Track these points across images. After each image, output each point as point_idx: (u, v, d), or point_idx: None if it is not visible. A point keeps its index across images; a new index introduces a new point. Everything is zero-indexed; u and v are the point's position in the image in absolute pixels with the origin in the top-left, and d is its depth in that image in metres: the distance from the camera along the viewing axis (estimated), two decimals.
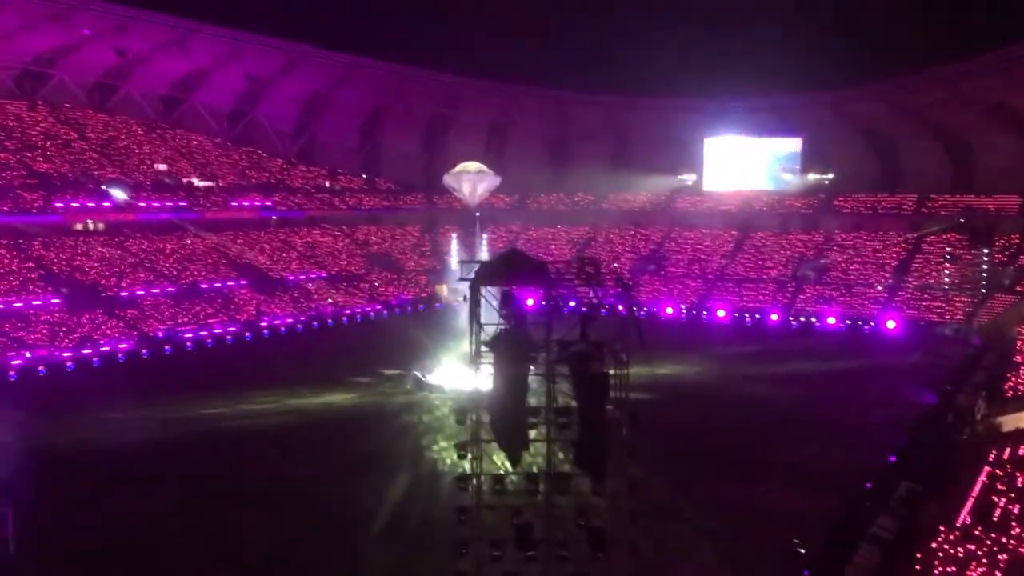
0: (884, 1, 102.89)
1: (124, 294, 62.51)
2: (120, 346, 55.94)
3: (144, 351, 56.32)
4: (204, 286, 67.93)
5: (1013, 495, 24.03)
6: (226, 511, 28.77)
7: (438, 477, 31.63)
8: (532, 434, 17.15)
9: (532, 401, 17.25)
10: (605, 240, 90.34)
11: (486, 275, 18.00)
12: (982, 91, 72.18)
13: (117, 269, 65.08)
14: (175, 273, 67.96)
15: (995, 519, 22.74)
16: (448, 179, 65.50)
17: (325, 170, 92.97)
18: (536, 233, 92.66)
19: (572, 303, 16.89)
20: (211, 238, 74.27)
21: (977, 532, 21.91)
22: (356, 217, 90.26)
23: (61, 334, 54.86)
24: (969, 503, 24.76)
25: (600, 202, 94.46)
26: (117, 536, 26.63)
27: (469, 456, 17.49)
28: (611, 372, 16.88)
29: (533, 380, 17.39)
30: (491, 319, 17.27)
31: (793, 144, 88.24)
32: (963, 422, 36.60)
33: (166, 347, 57.55)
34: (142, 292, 63.69)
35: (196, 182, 78.45)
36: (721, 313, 72.13)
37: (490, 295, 17.59)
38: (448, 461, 33.34)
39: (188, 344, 59.03)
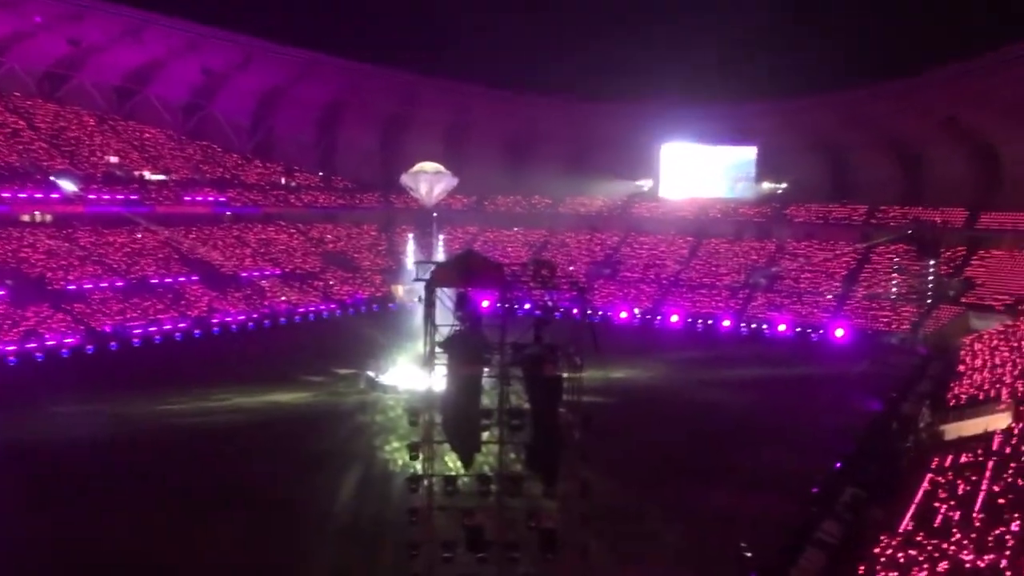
0: (841, 13, 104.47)
1: (71, 287, 61.33)
2: (66, 340, 54.90)
3: (89, 347, 55.27)
4: (154, 281, 66.85)
5: (954, 502, 24.56)
6: (177, 510, 28.29)
7: (390, 478, 31.47)
8: (484, 436, 17.19)
9: (485, 403, 17.28)
10: (561, 243, 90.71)
11: (442, 276, 17.99)
12: (933, 104, 73.76)
13: (64, 262, 63.82)
14: (124, 267, 66.80)
15: (936, 525, 23.22)
16: (405, 178, 65.00)
17: (281, 166, 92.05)
18: (493, 235, 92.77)
19: (527, 306, 17.04)
20: (163, 232, 73.11)
21: (919, 538, 22.35)
22: (312, 215, 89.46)
23: (5, 327, 53.61)
24: (912, 509, 25.26)
25: (557, 205, 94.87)
26: (69, 536, 26.05)
27: (421, 457, 17.46)
28: (564, 375, 16.97)
29: (486, 382, 17.42)
30: (446, 320, 17.26)
31: (748, 153, 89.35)
32: (907, 430, 37.35)
33: (112, 343, 56.48)
34: (90, 286, 62.54)
35: (148, 175, 77.19)
36: (675, 318, 72.71)
37: (445, 296, 17.59)
38: (400, 462, 33.21)
39: (136, 340, 58.05)
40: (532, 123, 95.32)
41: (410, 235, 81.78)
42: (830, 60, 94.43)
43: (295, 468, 32.78)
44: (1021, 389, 37.04)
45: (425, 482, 17.21)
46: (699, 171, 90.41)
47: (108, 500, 29.07)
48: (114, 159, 76.68)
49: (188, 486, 30.72)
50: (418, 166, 64.05)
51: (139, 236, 71.82)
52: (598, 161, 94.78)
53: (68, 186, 68.04)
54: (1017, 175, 73.14)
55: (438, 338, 17.16)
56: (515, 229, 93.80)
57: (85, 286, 62.22)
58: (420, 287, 18.06)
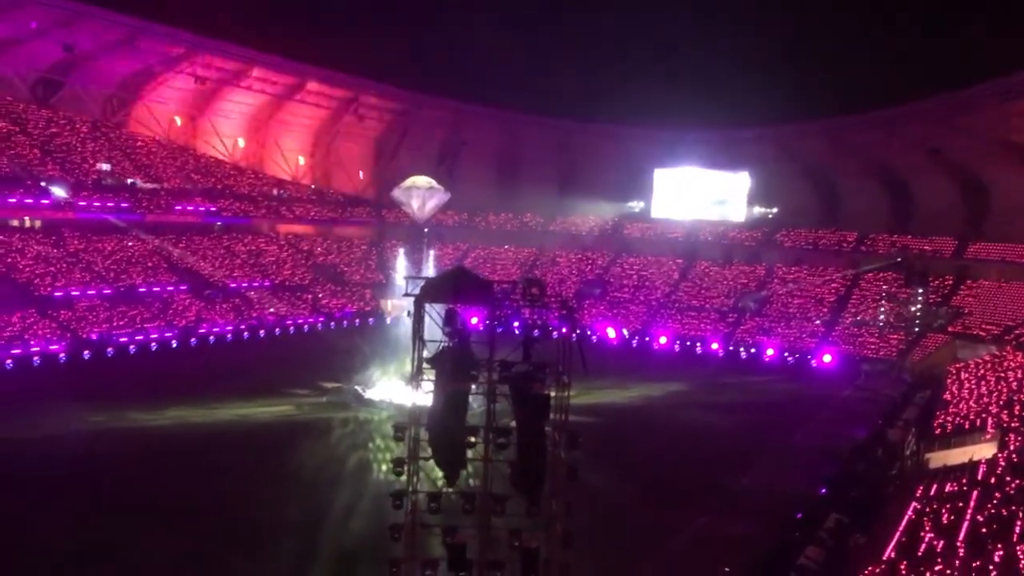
0: (833, 42, 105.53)
1: (58, 294, 60.97)
2: (51, 347, 54.53)
3: (63, 355, 54.57)
4: (142, 290, 66.57)
5: (938, 531, 24.53)
6: (152, 524, 27.99)
7: (373, 493, 31.19)
8: (470, 453, 17.09)
9: (472, 419, 17.20)
10: (551, 262, 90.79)
11: (431, 292, 17.91)
12: (920, 134, 74.30)
13: (52, 268, 63.47)
14: (113, 275, 66.50)
15: (919, 554, 23.18)
16: (397, 193, 65.01)
17: (273, 178, 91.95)
18: (483, 252, 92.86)
19: (516, 324, 17.11)
20: (152, 241, 72.85)
21: (902, 567, 22.30)
22: (303, 227, 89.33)
23: None
24: (895, 537, 25.22)
25: (548, 224, 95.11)
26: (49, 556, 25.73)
27: (405, 472, 17.34)
28: (552, 394, 16.91)
29: (473, 399, 17.34)
30: (434, 336, 17.20)
31: (741, 177, 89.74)
32: (893, 457, 37.39)
33: (85, 352, 55.56)
34: (77, 293, 62.21)
35: (140, 183, 76.98)
36: (663, 340, 72.76)
37: (434, 312, 17.53)
38: (384, 477, 33.00)
39: (110, 350, 56.96)
40: (525, 141, 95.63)
41: (401, 250, 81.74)
42: (823, 87, 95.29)
43: (274, 481, 32.54)
44: (1006, 419, 37.17)
45: (408, 498, 17.09)
46: (691, 194, 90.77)
47: (56, 507, 28.77)
48: (106, 166, 76.44)
49: (159, 498, 30.22)
50: (410, 180, 64.07)
51: (129, 244, 71.55)
52: (590, 181, 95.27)
53: (59, 192, 67.77)
54: (1004, 206, 73.72)
55: (426, 354, 17.10)
56: (506, 246, 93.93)
57: (72, 293, 61.89)
58: (409, 302, 18.00)
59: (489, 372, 16.83)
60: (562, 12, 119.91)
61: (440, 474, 17.35)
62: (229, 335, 65.89)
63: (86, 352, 55.80)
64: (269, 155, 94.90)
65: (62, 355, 54.66)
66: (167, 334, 61.74)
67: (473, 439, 16.90)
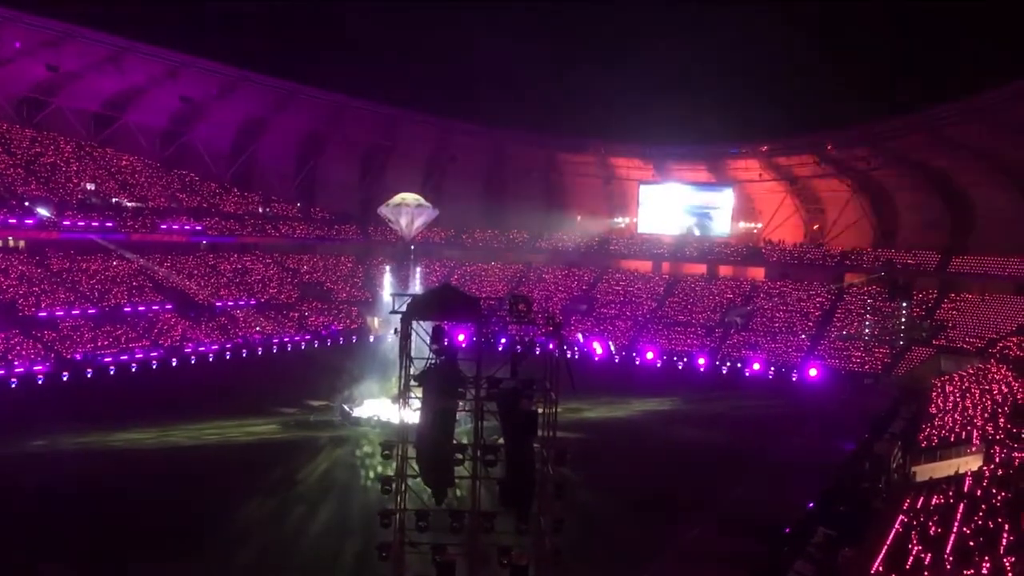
0: (818, 57, 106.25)
1: (42, 314, 60.54)
2: (35, 368, 54.05)
3: (40, 376, 53.69)
4: (127, 309, 66.18)
5: (925, 544, 24.59)
6: (138, 548, 27.75)
7: (361, 512, 31.04)
8: (458, 470, 17.06)
9: (459, 437, 17.19)
10: (538, 279, 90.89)
11: (418, 309, 17.94)
12: (905, 149, 74.83)
13: (36, 288, 63.06)
14: (97, 295, 66.10)
15: (907, 567, 23.22)
16: (385, 210, 64.83)
17: (259, 196, 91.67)
18: (470, 269, 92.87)
19: (503, 340, 17.06)
20: (137, 260, 72.51)
21: None
22: (289, 245, 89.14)
23: None
24: (883, 551, 25.26)
25: (535, 241, 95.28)
26: None
27: (393, 491, 17.29)
28: (540, 410, 16.92)
29: (461, 416, 17.34)
30: (421, 353, 17.20)
31: (725, 194, 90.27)
32: (880, 470, 37.47)
33: (64, 373, 54.76)
34: (62, 313, 61.79)
35: (124, 203, 76.66)
36: (650, 355, 72.81)
37: (421, 329, 17.54)
38: (372, 496, 32.84)
39: (90, 370, 56.32)
40: (511, 158, 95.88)
41: (387, 267, 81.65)
42: (806, 104, 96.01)
43: (260, 500, 32.33)
44: (992, 431, 37.36)
45: (396, 517, 17.04)
46: (677, 210, 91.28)
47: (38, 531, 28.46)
48: (90, 186, 76.11)
49: (147, 520, 29.82)
50: (399, 197, 63.93)
51: (113, 263, 71.18)
52: (576, 197, 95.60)
53: (43, 212, 67.41)
54: (988, 219, 74.26)
55: (413, 371, 17.10)
56: (493, 263, 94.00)
57: (57, 313, 61.47)
58: (396, 319, 18.01)
59: (476, 389, 16.85)
60: (550, 29, 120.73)
61: (428, 492, 17.32)
62: (214, 354, 65.53)
63: (64, 373, 55.14)
64: (256, 173, 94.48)
65: (40, 376, 54.03)
66: (152, 354, 61.35)
67: (461, 456, 16.90)
